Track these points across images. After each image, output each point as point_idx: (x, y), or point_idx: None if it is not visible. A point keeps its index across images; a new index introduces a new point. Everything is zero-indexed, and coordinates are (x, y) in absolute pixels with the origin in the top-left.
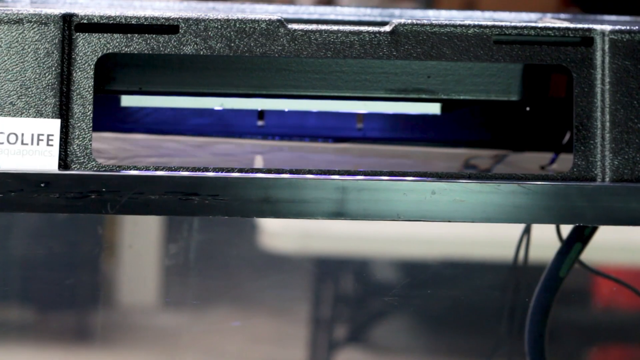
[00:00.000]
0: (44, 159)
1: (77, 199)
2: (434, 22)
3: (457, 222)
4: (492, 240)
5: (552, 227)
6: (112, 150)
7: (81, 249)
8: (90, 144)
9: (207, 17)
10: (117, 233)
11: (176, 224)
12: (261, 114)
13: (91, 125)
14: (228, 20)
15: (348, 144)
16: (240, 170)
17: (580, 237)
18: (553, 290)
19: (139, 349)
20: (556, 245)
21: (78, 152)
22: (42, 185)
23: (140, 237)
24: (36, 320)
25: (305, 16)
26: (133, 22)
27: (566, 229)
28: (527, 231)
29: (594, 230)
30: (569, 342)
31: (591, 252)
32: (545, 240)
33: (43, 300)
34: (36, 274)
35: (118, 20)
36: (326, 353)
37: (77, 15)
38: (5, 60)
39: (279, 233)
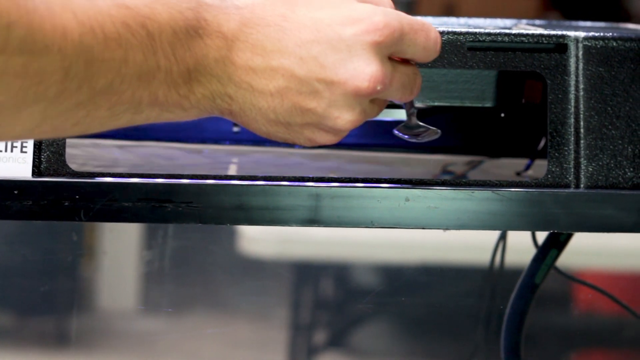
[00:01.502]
0: (17, 166)
1: (51, 207)
2: None
3: (431, 229)
4: (470, 244)
5: (528, 233)
6: (86, 156)
7: (59, 255)
8: (64, 151)
9: None
10: (96, 238)
11: (153, 229)
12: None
13: None
14: None
15: (323, 149)
16: (215, 177)
17: (556, 243)
18: (529, 296)
19: (118, 353)
20: (532, 250)
21: (52, 159)
22: (16, 192)
23: (119, 242)
24: (14, 326)
25: None
26: None
27: (542, 235)
28: (503, 237)
29: (569, 236)
30: (548, 347)
31: (570, 257)
32: (522, 245)
33: (21, 306)
34: (13, 280)
35: None
36: (305, 358)
37: None
38: None
39: (257, 238)
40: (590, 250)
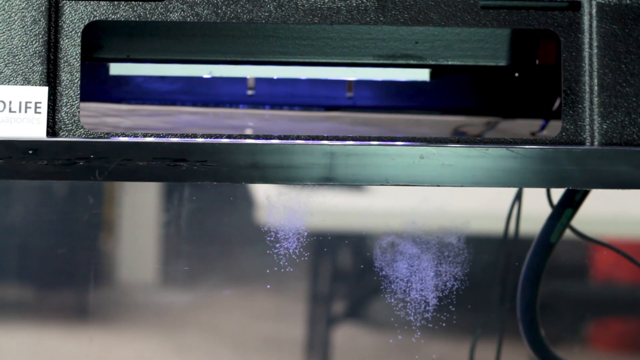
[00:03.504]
0: (32, 127)
1: (66, 166)
2: None
3: (445, 187)
4: (486, 213)
5: (543, 197)
6: (100, 120)
7: (79, 228)
8: (79, 111)
9: None
10: (116, 211)
11: (175, 208)
12: (251, 83)
13: (79, 92)
14: None
15: (338, 112)
16: (229, 137)
17: (571, 202)
18: (544, 255)
19: (138, 326)
20: (547, 213)
21: (66, 119)
22: (30, 152)
23: (139, 216)
24: (35, 299)
25: None
26: None
27: (556, 195)
28: (518, 197)
29: (584, 195)
30: (567, 316)
31: (590, 225)
32: (536, 214)
33: (41, 279)
34: (34, 253)
35: None
36: (324, 328)
37: None
38: None
39: (274, 208)
40: (606, 219)
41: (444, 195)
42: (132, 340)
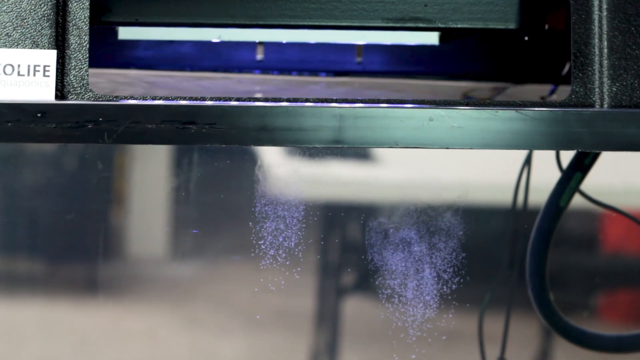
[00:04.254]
0: (40, 90)
1: (74, 129)
2: None
3: (455, 149)
4: (496, 185)
5: (553, 167)
6: (109, 84)
7: (89, 201)
8: (87, 75)
9: None
10: (125, 185)
11: (184, 181)
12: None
13: (87, 56)
14: None
15: (348, 77)
16: (238, 99)
17: (580, 166)
18: (554, 219)
19: (148, 299)
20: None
21: (74, 83)
22: (39, 115)
23: (149, 189)
24: (45, 272)
25: None
26: None
27: (566, 160)
28: (527, 162)
29: (593, 159)
30: (576, 287)
31: (600, 196)
32: (545, 184)
33: (52, 253)
34: (43, 227)
35: None
36: (334, 300)
37: None
38: None
39: (284, 179)
40: (617, 190)
41: (452, 166)
42: (142, 313)
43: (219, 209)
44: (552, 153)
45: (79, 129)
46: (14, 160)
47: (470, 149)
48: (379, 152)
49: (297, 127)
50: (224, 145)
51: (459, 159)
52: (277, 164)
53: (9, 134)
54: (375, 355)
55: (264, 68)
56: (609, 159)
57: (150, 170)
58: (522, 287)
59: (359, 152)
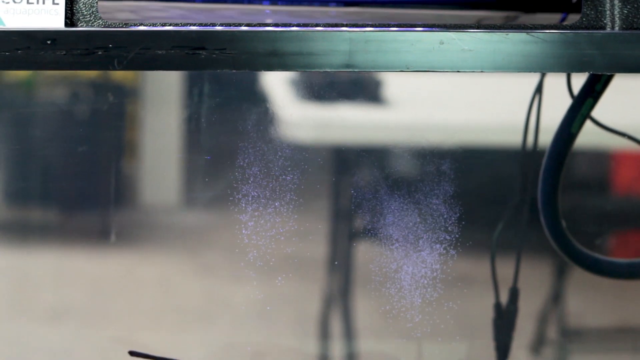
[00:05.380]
0: (50, 17)
1: (84, 56)
2: None
3: (465, 72)
4: (510, 126)
5: (564, 87)
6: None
7: (102, 150)
8: (96, 2)
9: None
10: (138, 133)
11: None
12: None
13: None
14: None
15: (358, 7)
16: (248, 25)
17: (592, 92)
18: (565, 145)
19: (161, 247)
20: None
21: (84, 10)
22: (49, 42)
23: (161, 138)
24: (58, 222)
25: None
26: None
27: (577, 86)
28: (538, 90)
29: (605, 85)
30: (587, 229)
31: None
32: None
33: (65, 201)
34: (57, 175)
35: None
36: (346, 245)
37: None
38: None
39: (296, 123)
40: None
41: (462, 108)
42: (156, 261)
43: (226, 157)
44: (563, 87)
45: (89, 56)
46: (25, 107)
47: (481, 71)
48: (389, 94)
49: (307, 51)
50: (234, 71)
51: (469, 100)
52: (286, 107)
53: (19, 62)
54: (388, 300)
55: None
56: (620, 85)
57: (161, 118)
58: (535, 222)
59: (368, 94)
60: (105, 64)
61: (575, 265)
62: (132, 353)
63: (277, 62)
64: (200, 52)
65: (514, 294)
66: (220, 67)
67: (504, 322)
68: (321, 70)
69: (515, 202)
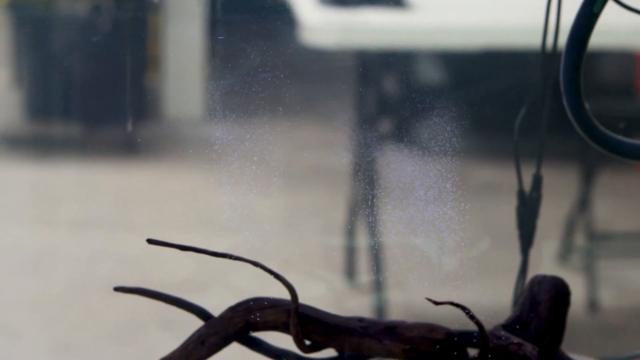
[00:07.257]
0: None
1: None
2: None
3: None
4: (531, 28)
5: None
6: None
7: (126, 63)
8: None
9: None
10: (161, 47)
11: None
12: None
13: None
14: None
15: None
16: None
17: None
18: (588, 25)
19: (185, 159)
20: None
21: None
22: None
23: (184, 49)
24: (82, 134)
25: None
26: None
27: None
28: None
29: None
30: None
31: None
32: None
33: (88, 115)
34: (80, 89)
35: None
36: (370, 154)
37: None
38: None
39: (318, 28)
40: None
41: (482, 10)
42: (180, 173)
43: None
44: None
45: None
46: (48, 22)
47: None
48: None
49: None
50: None
51: (489, 3)
52: (309, 12)
53: None
54: (412, 207)
55: None
56: None
57: (184, 31)
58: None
59: None
60: None
61: (598, 148)
62: (150, 241)
63: None
64: None
65: (537, 181)
66: None
67: (527, 210)
68: None
69: (537, 85)
